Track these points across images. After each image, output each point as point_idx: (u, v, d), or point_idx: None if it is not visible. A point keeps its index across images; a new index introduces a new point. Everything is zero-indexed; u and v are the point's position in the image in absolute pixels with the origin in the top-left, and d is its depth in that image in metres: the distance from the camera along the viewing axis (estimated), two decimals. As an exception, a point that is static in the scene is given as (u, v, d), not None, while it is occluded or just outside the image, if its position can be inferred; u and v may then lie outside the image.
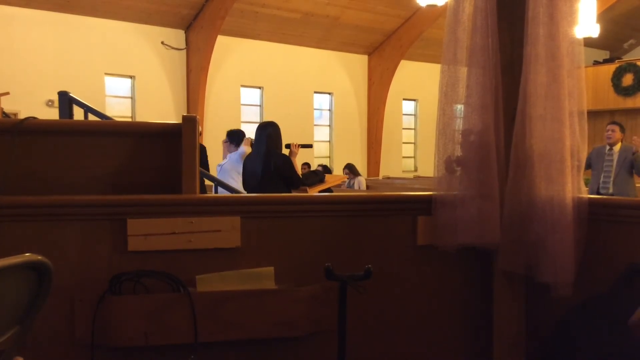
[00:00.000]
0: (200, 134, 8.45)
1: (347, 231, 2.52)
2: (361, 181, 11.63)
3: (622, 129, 7.26)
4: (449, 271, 2.62)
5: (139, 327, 2.24)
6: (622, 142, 7.21)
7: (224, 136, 6.85)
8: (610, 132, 7.16)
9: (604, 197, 6.06)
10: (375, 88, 16.11)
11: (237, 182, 5.89)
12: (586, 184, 8.17)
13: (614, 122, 7.49)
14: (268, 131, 5.04)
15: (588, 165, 7.23)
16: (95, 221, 2.28)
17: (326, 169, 9.44)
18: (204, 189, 6.01)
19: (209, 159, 7.32)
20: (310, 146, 5.88)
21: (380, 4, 13.97)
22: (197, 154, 2.40)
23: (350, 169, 11.77)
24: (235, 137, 6.43)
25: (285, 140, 5.29)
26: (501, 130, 2.40)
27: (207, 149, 7.70)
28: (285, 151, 5.23)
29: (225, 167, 6.14)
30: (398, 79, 15.96)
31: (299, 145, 5.34)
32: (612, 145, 7.15)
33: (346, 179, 11.22)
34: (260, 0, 12.82)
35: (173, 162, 2.41)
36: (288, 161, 5.05)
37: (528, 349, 2.52)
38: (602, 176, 7.14)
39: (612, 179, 7.06)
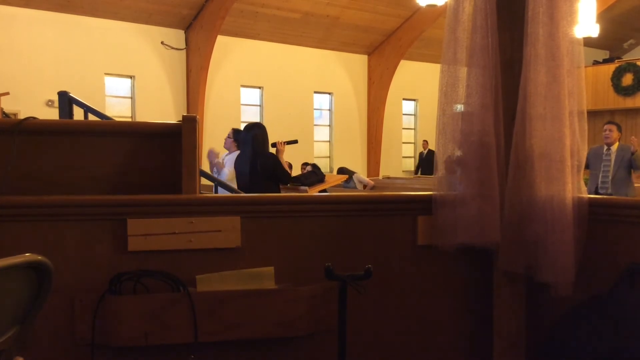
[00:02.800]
0: None
1: (347, 231, 2.52)
2: (359, 177, 11.61)
3: (619, 129, 7.26)
4: (449, 271, 2.62)
5: (139, 327, 2.24)
6: (619, 141, 7.20)
7: (224, 136, 6.82)
8: (607, 132, 7.16)
9: (604, 197, 6.06)
10: (375, 88, 16.11)
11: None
12: (585, 184, 8.17)
13: (611, 122, 7.48)
14: (253, 132, 5.11)
15: (586, 166, 7.22)
16: (95, 221, 2.28)
17: (315, 167, 9.44)
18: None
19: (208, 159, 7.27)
20: (295, 142, 5.85)
21: (380, 4, 13.97)
22: (197, 154, 2.40)
23: (343, 172, 11.78)
24: (240, 136, 6.40)
25: (272, 139, 5.32)
26: (501, 130, 2.39)
27: (207, 149, 7.66)
28: (273, 150, 5.27)
29: (225, 172, 6.08)
30: (398, 79, 15.97)
31: (284, 142, 5.39)
32: (609, 145, 7.14)
33: (346, 178, 11.21)
34: (260, 0, 12.82)
35: (173, 162, 2.41)
36: (274, 160, 5.09)
37: (528, 349, 2.52)
38: (600, 176, 7.14)
39: (610, 178, 7.05)
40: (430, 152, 15.55)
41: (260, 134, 5.11)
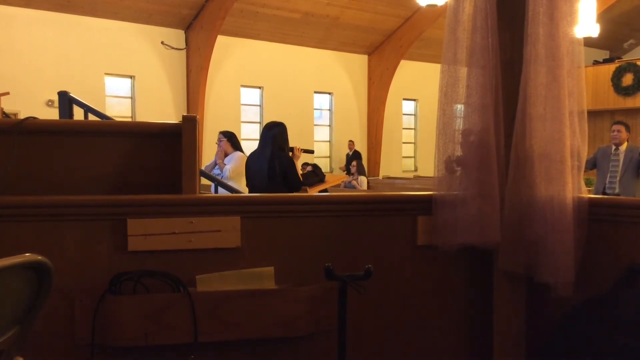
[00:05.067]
0: None
1: (347, 231, 2.52)
2: (362, 180, 11.63)
3: (628, 129, 7.18)
4: (449, 271, 2.62)
5: (139, 327, 2.24)
6: (627, 142, 7.14)
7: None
8: (616, 132, 7.08)
9: (605, 196, 6.03)
10: (375, 88, 16.12)
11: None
12: (589, 184, 8.14)
13: (619, 122, 7.37)
14: (274, 132, 5.04)
15: (593, 165, 7.19)
16: (95, 221, 2.28)
17: (316, 168, 9.44)
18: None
19: (208, 160, 7.25)
20: (312, 152, 5.96)
21: (380, 4, 13.98)
22: (197, 154, 2.40)
23: (359, 164, 11.80)
24: (232, 136, 6.32)
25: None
26: (501, 130, 2.39)
27: (206, 149, 7.62)
28: (290, 154, 5.24)
29: (227, 169, 6.01)
30: (398, 79, 15.97)
31: (301, 149, 5.38)
32: (618, 145, 7.07)
33: (347, 179, 11.23)
34: (260, 0, 12.82)
35: (173, 162, 2.41)
36: (291, 163, 5.05)
37: (528, 349, 2.52)
38: (608, 176, 7.07)
39: (618, 179, 6.99)
40: (356, 153, 15.07)
41: (280, 134, 5.07)
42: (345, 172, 14.76)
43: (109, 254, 2.28)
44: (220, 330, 2.32)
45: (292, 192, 4.97)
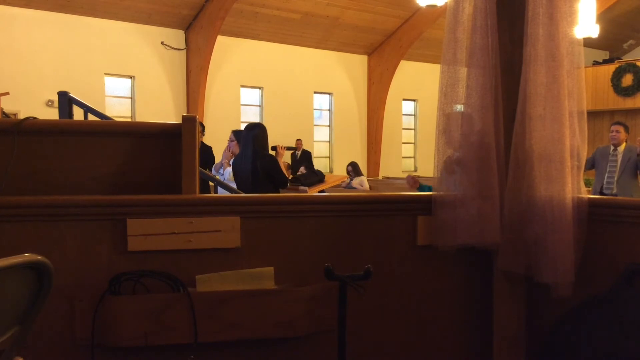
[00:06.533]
0: (203, 132, 8.18)
1: (347, 231, 2.52)
2: (363, 181, 11.62)
3: (627, 129, 7.21)
4: (449, 271, 2.62)
5: (139, 327, 2.24)
6: (626, 142, 7.16)
7: (224, 136, 6.78)
8: (615, 133, 7.10)
9: (604, 197, 6.04)
10: (375, 88, 16.12)
11: None
12: (588, 185, 8.14)
13: (618, 123, 7.40)
14: (254, 132, 5.14)
15: (592, 165, 7.21)
16: (95, 221, 2.28)
17: (309, 169, 9.38)
18: (207, 189, 5.97)
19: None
20: (295, 149, 6.06)
21: (380, 4, 13.98)
22: (197, 154, 2.40)
23: (354, 168, 11.75)
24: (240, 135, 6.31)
25: (272, 139, 5.38)
26: (501, 130, 2.40)
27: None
28: (273, 153, 5.32)
29: (228, 171, 6.02)
30: (398, 79, 15.97)
31: (284, 147, 5.49)
32: (616, 145, 7.09)
33: (347, 179, 11.21)
34: (260, 0, 12.83)
35: (173, 162, 2.41)
36: (274, 162, 5.15)
37: (528, 349, 2.52)
38: (605, 176, 7.09)
39: (615, 179, 7.01)
40: (305, 153, 13.62)
41: (261, 134, 5.15)
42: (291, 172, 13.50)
43: (109, 254, 2.28)
44: (220, 330, 2.32)
45: (279, 190, 5.04)
